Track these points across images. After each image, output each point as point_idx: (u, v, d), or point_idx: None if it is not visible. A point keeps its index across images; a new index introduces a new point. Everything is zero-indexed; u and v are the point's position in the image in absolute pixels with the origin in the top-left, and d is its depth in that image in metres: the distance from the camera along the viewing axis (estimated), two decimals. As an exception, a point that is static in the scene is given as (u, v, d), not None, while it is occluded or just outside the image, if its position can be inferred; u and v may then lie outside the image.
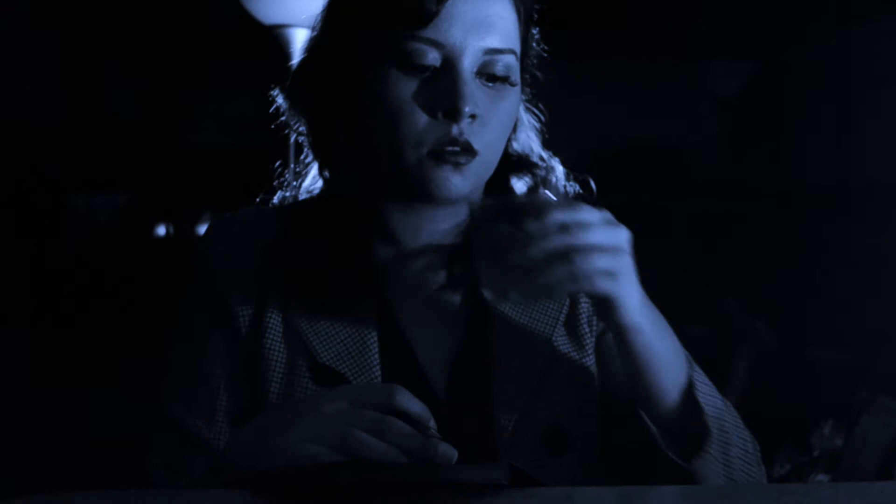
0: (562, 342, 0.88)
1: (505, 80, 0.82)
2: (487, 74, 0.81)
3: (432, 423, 0.66)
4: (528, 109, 0.94)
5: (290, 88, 0.90)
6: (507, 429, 0.82)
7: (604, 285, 0.71)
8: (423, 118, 0.79)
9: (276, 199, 0.97)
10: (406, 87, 0.80)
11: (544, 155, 0.95)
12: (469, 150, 0.80)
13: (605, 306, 0.74)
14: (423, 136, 0.80)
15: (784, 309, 3.21)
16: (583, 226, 0.70)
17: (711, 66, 4.89)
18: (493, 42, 0.80)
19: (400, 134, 0.80)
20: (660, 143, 5.08)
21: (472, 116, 0.79)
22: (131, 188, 4.48)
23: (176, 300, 0.92)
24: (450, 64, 0.79)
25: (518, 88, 0.85)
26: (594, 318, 0.90)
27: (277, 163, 0.98)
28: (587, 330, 0.90)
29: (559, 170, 0.95)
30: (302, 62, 0.89)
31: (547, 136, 0.96)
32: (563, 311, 0.89)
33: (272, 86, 0.92)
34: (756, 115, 5.06)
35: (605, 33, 4.41)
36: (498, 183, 0.91)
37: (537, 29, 0.89)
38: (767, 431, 0.89)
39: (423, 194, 0.82)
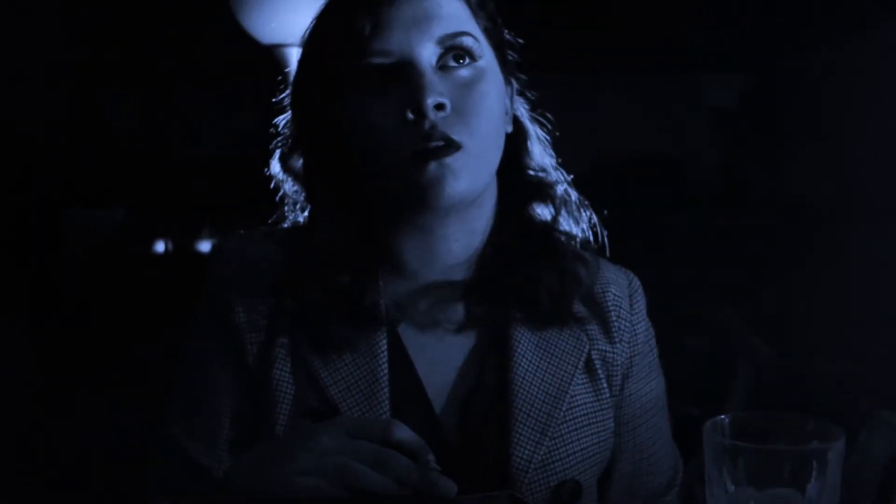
0: (580, 389, 0.86)
1: (470, 65, 0.81)
2: (448, 64, 0.80)
3: (430, 457, 0.66)
4: (533, 119, 0.93)
5: (287, 161, 0.90)
6: (522, 479, 0.80)
7: None
8: (396, 125, 0.78)
9: (288, 222, 0.95)
10: (374, 102, 0.79)
11: (561, 174, 0.93)
12: (450, 143, 0.78)
13: None
14: (401, 142, 0.78)
15: (783, 321, 3.21)
16: None
17: (708, 78, 4.91)
18: (441, 29, 0.80)
19: (382, 148, 0.79)
20: (657, 156, 5.08)
21: (440, 106, 0.78)
22: (130, 203, 4.47)
23: (174, 316, 0.91)
24: (405, 65, 0.79)
25: (492, 69, 0.83)
26: (611, 365, 0.89)
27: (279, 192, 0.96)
28: (602, 374, 0.88)
29: (573, 195, 0.94)
30: (292, 137, 0.89)
31: (553, 145, 0.95)
32: (583, 355, 0.87)
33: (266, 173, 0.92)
34: (754, 126, 5.06)
35: (601, 45, 4.42)
36: (518, 210, 0.90)
37: (497, 15, 0.88)
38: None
39: (421, 202, 0.80)
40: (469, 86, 0.80)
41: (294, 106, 0.88)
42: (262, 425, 0.82)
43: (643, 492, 0.92)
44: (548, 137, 0.94)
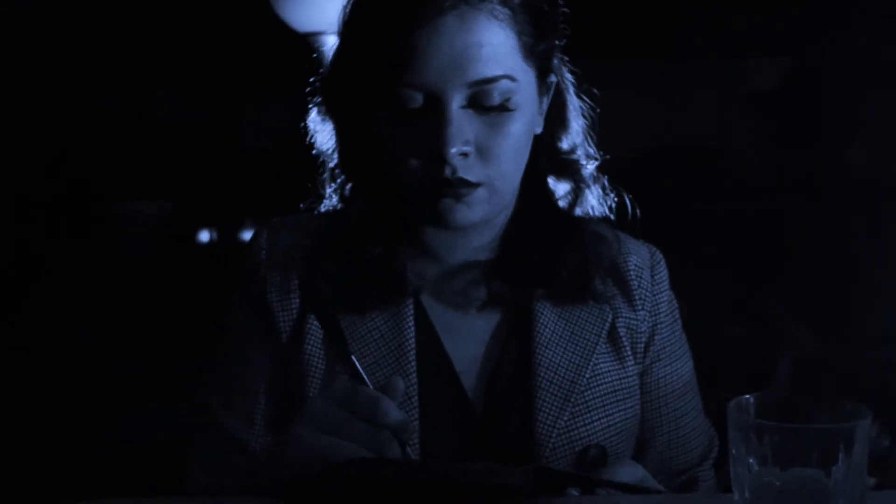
0: (604, 358, 0.88)
1: (501, 107, 0.79)
2: (481, 105, 0.78)
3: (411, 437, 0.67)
4: (578, 97, 0.92)
5: (314, 121, 0.92)
6: (545, 444, 0.82)
7: None
8: (418, 159, 0.79)
9: (322, 208, 0.97)
10: (399, 131, 0.80)
11: (591, 152, 0.93)
12: (467, 185, 0.79)
13: None
14: (421, 176, 0.80)
15: (827, 309, 3.16)
16: None
17: (750, 64, 4.82)
18: (477, 73, 0.77)
19: (402, 174, 0.81)
20: (697, 143, 5.02)
21: (464, 154, 0.78)
22: (175, 195, 4.55)
23: (219, 305, 0.94)
24: (434, 105, 0.78)
25: (526, 97, 0.81)
26: (635, 333, 0.90)
27: (324, 173, 0.97)
28: (626, 343, 0.89)
29: (599, 178, 0.95)
30: (319, 102, 0.90)
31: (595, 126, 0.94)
32: (606, 325, 0.88)
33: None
34: (796, 112, 4.97)
35: (640, 32, 4.38)
36: (541, 190, 0.91)
37: (555, 41, 0.85)
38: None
39: (435, 224, 0.83)
40: (497, 127, 0.79)
41: (325, 101, 0.89)
42: (295, 399, 0.84)
43: (679, 464, 0.94)
44: (593, 115, 0.93)
